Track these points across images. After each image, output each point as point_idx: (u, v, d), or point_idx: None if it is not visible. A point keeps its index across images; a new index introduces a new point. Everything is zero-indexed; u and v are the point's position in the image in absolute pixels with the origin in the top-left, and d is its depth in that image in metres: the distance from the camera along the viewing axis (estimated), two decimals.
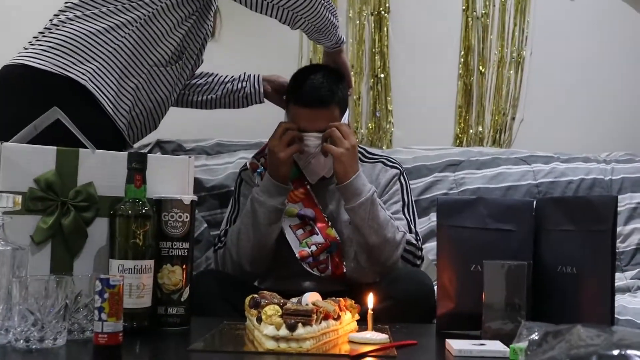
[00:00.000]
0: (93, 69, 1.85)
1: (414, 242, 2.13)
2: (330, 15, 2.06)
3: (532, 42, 3.13)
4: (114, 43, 1.88)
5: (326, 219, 2.19)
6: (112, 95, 1.88)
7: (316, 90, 2.14)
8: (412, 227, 2.20)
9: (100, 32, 1.88)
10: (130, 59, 1.91)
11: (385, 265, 2.09)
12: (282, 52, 3.15)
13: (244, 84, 2.43)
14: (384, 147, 3.05)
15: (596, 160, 2.89)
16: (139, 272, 1.45)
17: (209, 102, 2.49)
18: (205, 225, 2.68)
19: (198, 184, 2.68)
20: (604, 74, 3.13)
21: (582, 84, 3.13)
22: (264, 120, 2.92)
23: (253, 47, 3.19)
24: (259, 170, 2.23)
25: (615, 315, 1.50)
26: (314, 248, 2.12)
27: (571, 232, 1.50)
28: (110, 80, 1.88)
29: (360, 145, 2.40)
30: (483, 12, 3.14)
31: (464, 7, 3.15)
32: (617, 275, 2.47)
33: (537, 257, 1.57)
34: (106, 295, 1.23)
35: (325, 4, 2.02)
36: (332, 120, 2.11)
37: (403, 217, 2.21)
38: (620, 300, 2.18)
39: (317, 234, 2.15)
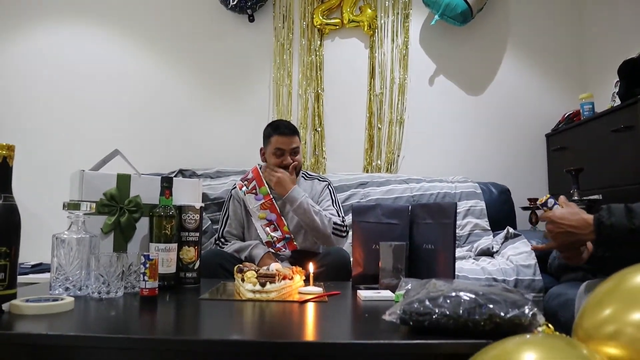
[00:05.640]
0: None
1: (340, 222, 2.18)
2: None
3: (408, 110, 3.20)
4: None
5: (283, 219, 2.20)
6: None
7: (288, 126, 2.27)
8: (339, 214, 2.25)
9: None
10: None
11: (323, 237, 2.13)
12: (256, 111, 3.17)
13: None
14: (320, 173, 3.09)
15: (446, 181, 2.94)
16: (168, 251, 1.44)
17: None
18: (210, 222, 2.67)
19: (205, 196, 2.67)
20: (450, 129, 3.22)
21: (438, 135, 3.21)
22: (246, 155, 2.94)
23: (236, 109, 3.20)
24: (242, 190, 2.24)
25: (456, 273, 1.54)
26: (275, 238, 2.15)
27: (430, 224, 1.53)
28: None
29: (304, 170, 2.43)
30: (380, 91, 3.20)
31: (368, 88, 3.21)
32: (458, 249, 2.54)
33: (411, 239, 1.59)
34: (147, 265, 1.23)
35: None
36: (297, 143, 2.25)
37: (333, 208, 2.25)
38: (460, 264, 2.25)
39: (277, 230, 2.17)
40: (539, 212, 1.39)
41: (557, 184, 3.04)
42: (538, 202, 1.36)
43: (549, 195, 1.33)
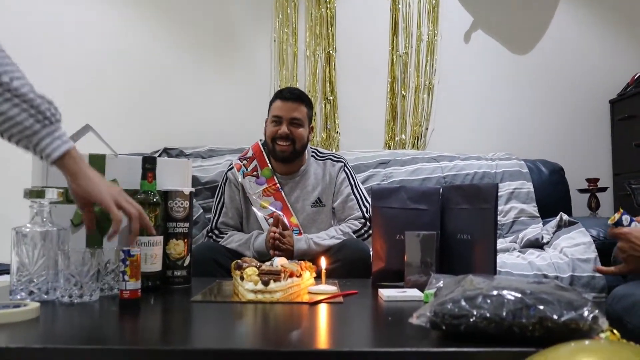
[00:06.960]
0: None
1: (359, 226, 2.16)
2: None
3: (439, 74, 3.17)
4: None
5: (290, 209, 2.18)
6: None
7: (293, 91, 2.25)
8: (362, 203, 2.21)
9: None
10: None
11: None
12: (255, 77, 3.16)
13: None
14: (333, 150, 3.08)
15: (485, 159, 2.94)
16: (152, 245, 1.44)
17: None
18: (202, 210, 2.68)
19: (195, 180, 2.67)
20: (490, 96, 3.19)
21: (475, 103, 3.19)
22: (244, 130, 2.93)
23: (231, 75, 3.19)
24: (241, 171, 2.22)
25: (498, 268, 1.53)
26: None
27: (466, 210, 1.53)
28: None
29: (313, 147, 2.41)
30: (404, 51, 3.17)
31: (390, 47, 3.18)
32: (499, 240, 2.53)
33: (442, 228, 1.59)
34: (128, 262, 1.23)
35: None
36: (301, 114, 2.20)
37: (353, 197, 2.22)
38: (502, 257, 2.24)
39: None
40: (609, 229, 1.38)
41: (623, 161, 3.00)
42: (609, 222, 1.32)
43: (622, 211, 1.30)
